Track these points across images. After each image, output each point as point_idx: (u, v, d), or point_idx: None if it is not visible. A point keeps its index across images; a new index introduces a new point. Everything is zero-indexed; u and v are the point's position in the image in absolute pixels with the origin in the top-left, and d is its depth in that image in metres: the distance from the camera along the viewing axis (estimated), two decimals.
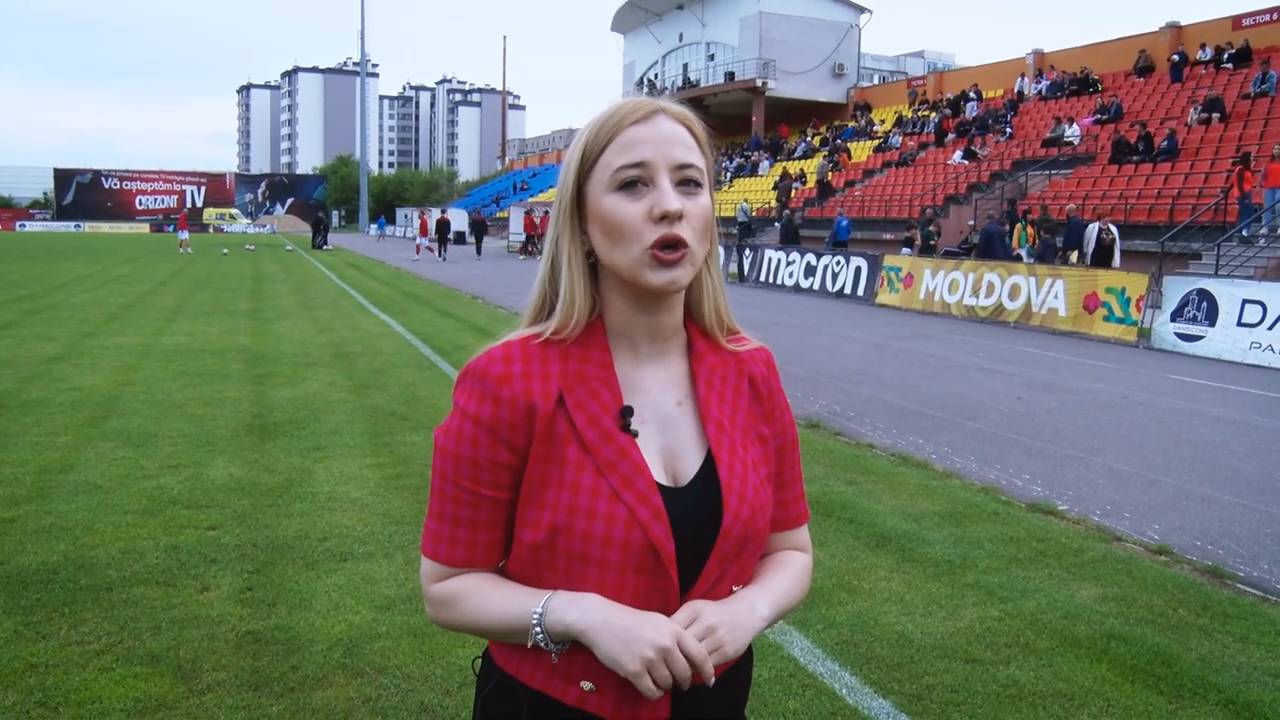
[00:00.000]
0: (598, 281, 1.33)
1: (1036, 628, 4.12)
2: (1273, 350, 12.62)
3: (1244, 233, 18.72)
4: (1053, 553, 5.09)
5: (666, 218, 1.22)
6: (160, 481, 5.97)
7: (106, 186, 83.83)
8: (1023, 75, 35.66)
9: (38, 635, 3.80)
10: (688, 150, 1.27)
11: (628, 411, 1.28)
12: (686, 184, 1.26)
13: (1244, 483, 6.63)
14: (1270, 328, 12.76)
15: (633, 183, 1.24)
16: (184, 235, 43.12)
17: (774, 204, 35.58)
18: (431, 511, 1.32)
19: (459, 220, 51.32)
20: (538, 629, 1.22)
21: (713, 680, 1.21)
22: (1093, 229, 18.42)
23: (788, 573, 1.42)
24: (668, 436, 1.31)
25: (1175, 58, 28.92)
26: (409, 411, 8.23)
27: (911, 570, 4.78)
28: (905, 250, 22.31)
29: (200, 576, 4.45)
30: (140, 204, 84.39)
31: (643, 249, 1.23)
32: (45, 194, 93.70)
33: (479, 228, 41.84)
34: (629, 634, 1.18)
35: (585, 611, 1.20)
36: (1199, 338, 13.66)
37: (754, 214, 33.82)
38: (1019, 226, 20.03)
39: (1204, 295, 13.77)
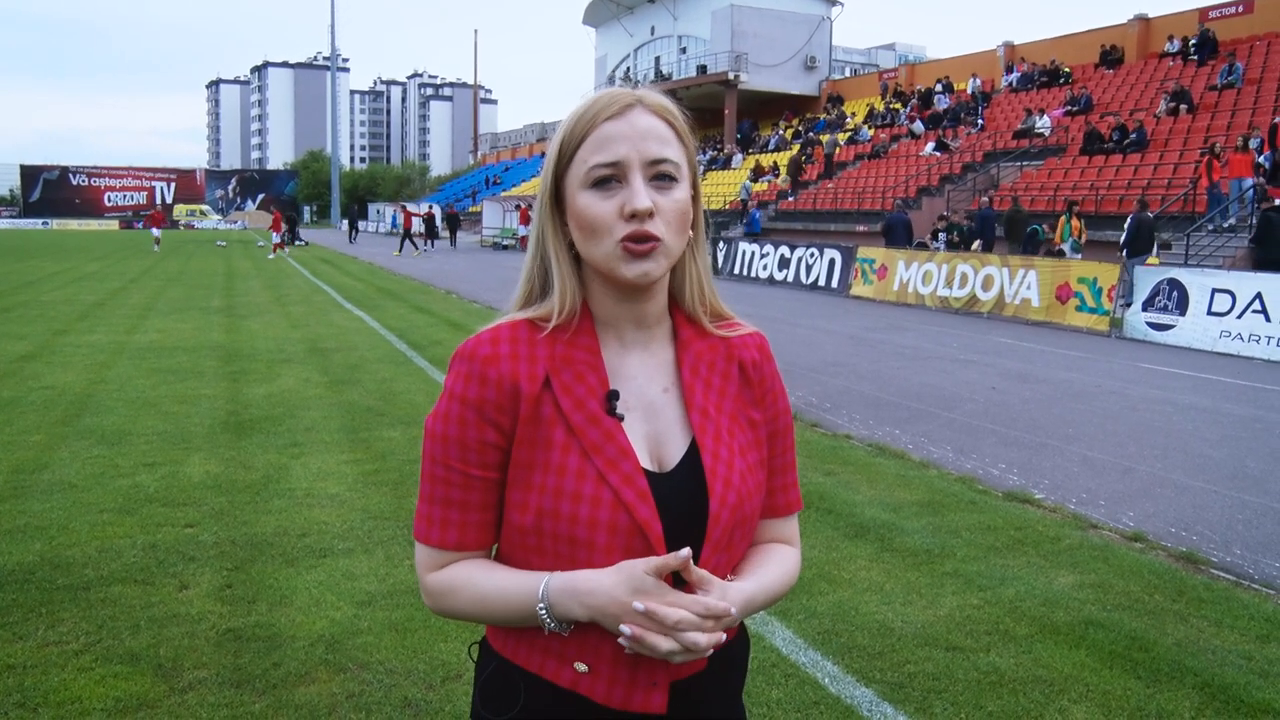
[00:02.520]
0: (581, 271, 1.34)
1: (1015, 615, 4.16)
2: (1241, 339, 12.78)
3: (1210, 225, 18.90)
4: (1030, 541, 5.13)
5: (636, 216, 1.23)
6: (136, 480, 5.92)
7: (74, 183, 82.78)
8: (974, 75, 35.81)
9: (15, 636, 3.76)
10: (662, 144, 1.27)
11: (613, 395, 1.29)
12: (660, 179, 1.26)
13: (1215, 469, 6.71)
14: (1239, 317, 12.91)
15: (605, 180, 1.25)
16: (157, 233, 40.47)
17: (788, 179, 35.71)
18: (422, 496, 1.33)
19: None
20: (548, 619, 1.23)
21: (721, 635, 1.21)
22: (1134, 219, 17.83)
23: (774, 563, 1.40)
24: (652, 424, 1.32)
25: (1211, 32, 28.01)
26: (385, 407, 8.19)
27: (891, 560, 4.81)
28: (936, 244, 21.25)
29: (179, 574, 4.42)
30: (109, 200, 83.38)
31: (614, 243, 1.25)
32: (11, 191, 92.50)
33: (453, 221, 41.79)
34: (608, 603, 1.20)
35: (586, 605, 1.21)
36: (1170, 327, 13.80)
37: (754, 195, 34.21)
38: (1063, 219, 19.36)
39: (1174, 285, 13.91)
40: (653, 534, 1.24)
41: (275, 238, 36.26)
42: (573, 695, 1.28)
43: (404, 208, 43.15)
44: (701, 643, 1.17)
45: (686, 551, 1.18)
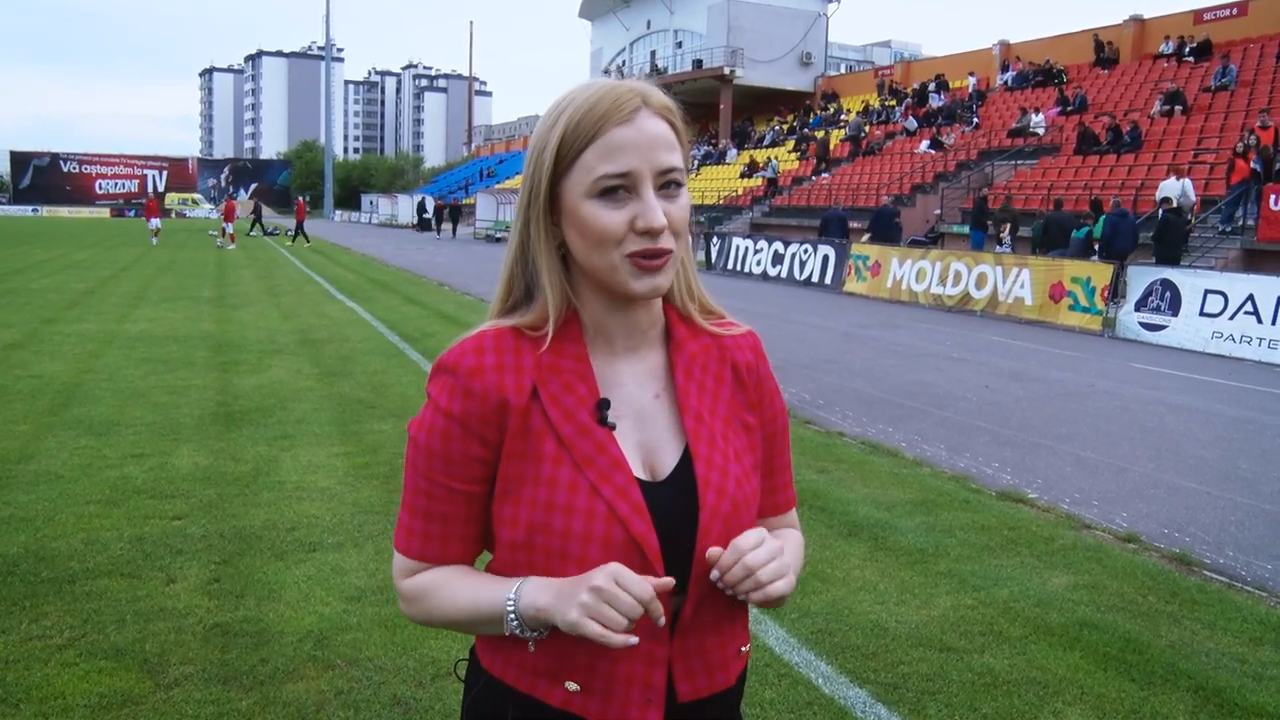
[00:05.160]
0: (569, 273, 1.28)
1: (1009, 616, 4.14)
2: (1233, 340, 12.79)
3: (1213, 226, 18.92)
4: (1024, 541, 5.11)
5: (650, 233, 1.18)
6: (123, 471, 5.86)
7: (65, 170, 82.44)
8: (971, 73, 35.84)
9: None
10: (670, 152, 1.21)
11: (604, 404, 1.25)
12: (668, 186, 1.21)
13: (1208, 470, 6.71)
14: (1231, 318, 12.93)
15: (614, 189, 1.19)
16: (156, 224, 36.15)
17: (805, 162, 35.64)
18: (404, 504, 1.29)
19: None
20: (512, 615, 1.19)
21: (662, 620, 1.17)
22: (1175, 187, 17.28)
23: (792, 545, 1.40)
24: (645, 431, 1.28)
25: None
26: (377, 399, 8.14)
27: (884, 559, 4.79)
28: (1002, 248, 20.19)
29: (166, 568, 4.37)
30: (100, 188, 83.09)
31: (622, 256, 1.19)
32: (0, 177, 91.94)
33: (454, 213, 42.09)
34: (572, 588, 1.15)
35: (558, 592, 1.17)
36: (1162, 327, 13.81)
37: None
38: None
39: (1167, 285, 13.92)
40: (649, 549, 1.20)
41: (228, 228, 34.34)
42: (565, 714, 1.24)
43: (300, 199, 43.29)
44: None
45: (670, 581, 1.16)
